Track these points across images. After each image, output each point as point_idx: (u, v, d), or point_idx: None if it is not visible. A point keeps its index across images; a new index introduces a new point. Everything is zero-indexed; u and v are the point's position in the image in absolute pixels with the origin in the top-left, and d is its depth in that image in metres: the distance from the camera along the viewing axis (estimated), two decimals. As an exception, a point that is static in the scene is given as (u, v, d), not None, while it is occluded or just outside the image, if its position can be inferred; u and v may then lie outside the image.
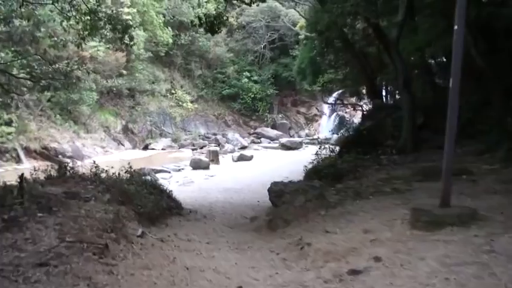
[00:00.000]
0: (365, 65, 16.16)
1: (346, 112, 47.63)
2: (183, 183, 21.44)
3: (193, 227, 9.49)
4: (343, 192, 7.84)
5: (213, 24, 16.15)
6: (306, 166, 13.64)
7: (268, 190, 8.85)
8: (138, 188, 9.80)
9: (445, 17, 12.37)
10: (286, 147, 36.07)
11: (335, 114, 47.60)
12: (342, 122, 47.06)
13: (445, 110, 11.99)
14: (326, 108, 49.72)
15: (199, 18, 16.01)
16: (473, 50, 9.48)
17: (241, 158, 28.95)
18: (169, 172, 24.01)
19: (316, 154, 14.21)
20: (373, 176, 10.15)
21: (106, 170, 10.29)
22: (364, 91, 29.42)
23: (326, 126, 47.99)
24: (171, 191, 12.45)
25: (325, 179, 10.53)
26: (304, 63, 26.71)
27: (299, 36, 41.68)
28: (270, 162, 28.19)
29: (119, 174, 10.69)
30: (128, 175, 11.11)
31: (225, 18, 16.57)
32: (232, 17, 49.84)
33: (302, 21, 35.54)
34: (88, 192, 7.53)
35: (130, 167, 11.66)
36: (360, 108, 27.85)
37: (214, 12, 16.58)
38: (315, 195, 7.71)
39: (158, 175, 22.80)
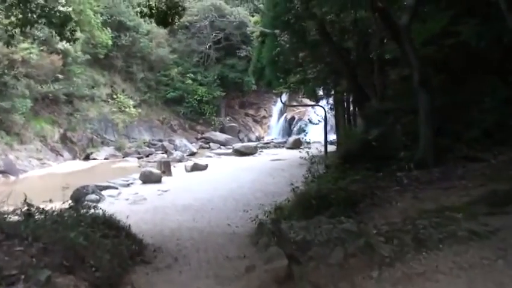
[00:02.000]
0: (347, 60, 13.76)
1: (295, 114, 45.98)
2: (134, 201, 18.49)
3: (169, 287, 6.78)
4: (396, 239, 5.31)
5: (166, 15, 13.43)
6: (294, 186, 11.06)
7: (281, 237, 6.22)
8: (89, 232, 6.99)
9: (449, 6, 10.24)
10: (240, 152, 33.39)
11: (284, 116, 45.81)
12: (291, 124, 45.42)
13: (468, 111, 9.74)
14: (274, 110, 47.98)
15: (150, 8, 13.23)
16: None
17: (195, 168, 26.09)
18: (117, 188, 20.89)
19: (309, 171, 11.66)
20: (398, 202, 7.74)
21: (43, 208, 7.37)
22: (321, 92, 27.32)
23: (275, 128, 46.12)
24: (129, 226, 9.59)
25: (336, 207, 8.05)
26: (261, 63, 24.25)
27: (253, 33, 39.36)
28: (227, 171, 25.53)
29: (61, 211, 7.75)
30: (73, 212, 8.17)
31: (180, 8, 13.86)
32: (174, 16, 46.97)
33: (256, 17, 32.70)
34: (14, 263, 4.70)
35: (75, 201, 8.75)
36: (323, 109, 25.63)
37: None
38: (359, 246, 5.14)
39: (104, 192, 19.87)
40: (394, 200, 7.87)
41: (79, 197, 18.76)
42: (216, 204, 16.86)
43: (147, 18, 14.14)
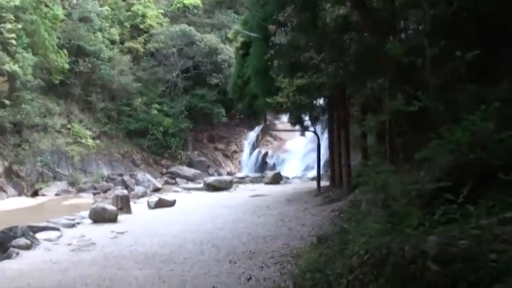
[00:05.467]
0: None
1: (270, 148, 41.64)
2: (78, 247, 13.19)
3: None
4: None
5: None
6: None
7: None
8: None
9: None
10: (213, 187, 28.20)
11: (257, 150, 41.40)
12: (264, 159, 40.75)
13: None
14: (246, 145, 43.61)
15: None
16: None
17: (161, 204, 20.78)
18: (58, 229, 15.43)
19: (387, 206, 6.47)
20: None
21: None
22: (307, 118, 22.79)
23: (247, 164, 41.46)
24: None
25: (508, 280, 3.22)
26: (243, 79, 19.70)
27: (225, 61, 35.33)
28: (200, 209, 20.40)
29: None
30: None
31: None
32: (139, 43, 42.62)
33: (236, 26, 28.05)
34: None
35: None
36: (316, 135, 21.03)
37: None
38: None
39: (40, 235, 14.43)
40: None
41: (4, 241, 13.46)
42: (190, 252, 11.80)
43: None
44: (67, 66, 34.97)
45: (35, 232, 14.47)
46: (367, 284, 4.58)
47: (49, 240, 14.15)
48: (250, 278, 8.96)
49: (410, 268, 4.05)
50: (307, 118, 23.05)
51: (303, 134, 25.04)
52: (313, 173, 32.70)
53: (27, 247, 13.04)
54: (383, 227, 5.17)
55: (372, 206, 9.19)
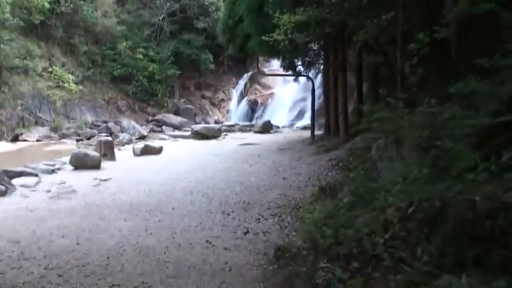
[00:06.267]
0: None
1: (258, 97, 40.45)
2: (58, 194, 12.08)
3: None
4: None
5: None
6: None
7: None
8: None
9: None
10: (201, 135, 27.09)
11: (245, 99, 40.18)
12: (253, 108, 39.65)
13: None
14: (234, 93, 42.39)
15: None
16: None
17: (147, 151, 19.63)
18: (36, 175, 14.26)
19: None
20: None
21: None
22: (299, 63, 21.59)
23: (235, 113, 40.33)
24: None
25: None
26: (234, 19, 18.30)
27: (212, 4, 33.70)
28: (188, 157, 19.33)
29: None
30: None
31: None
32: (124, -16, 40.49)
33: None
34: None
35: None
36: (311, 81, 19.82)
37: None
38: None
39: (16, 181, 13.25)
40: None
41: (-25, 187, 12.31)
42: (179, 202, 10.78)
43: None
44: (47, 5, 32.96)
45: (10, 177, 13.29)
46: (414, 244, 3.56)
47: (26, 186, 12.98)
48: (247, 231, 8.02)
49: (484, 225, 3.03)
50: (300, 63, 21.86)
51: (296, 80, 23.84)
52: (303, 122, 31.78)
53: (2, 193, 11.89)
54: (429, 173, 4.11)
55: (384, 151, 8.14)
